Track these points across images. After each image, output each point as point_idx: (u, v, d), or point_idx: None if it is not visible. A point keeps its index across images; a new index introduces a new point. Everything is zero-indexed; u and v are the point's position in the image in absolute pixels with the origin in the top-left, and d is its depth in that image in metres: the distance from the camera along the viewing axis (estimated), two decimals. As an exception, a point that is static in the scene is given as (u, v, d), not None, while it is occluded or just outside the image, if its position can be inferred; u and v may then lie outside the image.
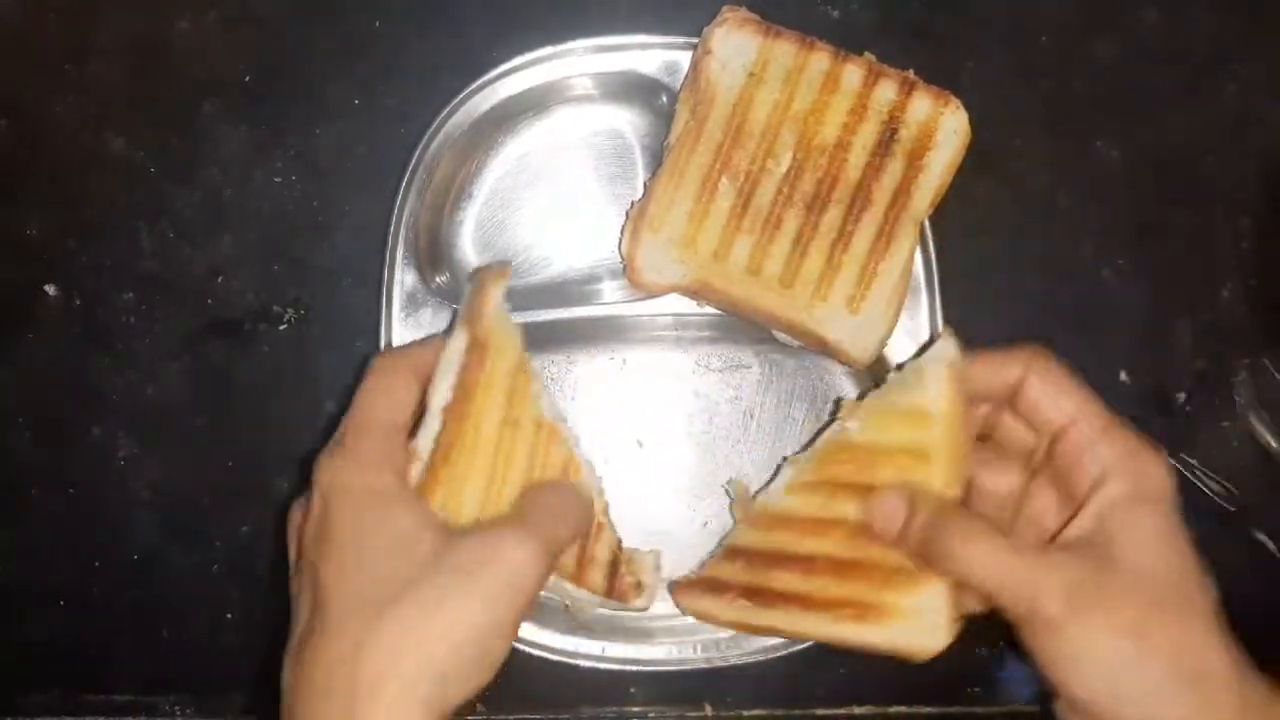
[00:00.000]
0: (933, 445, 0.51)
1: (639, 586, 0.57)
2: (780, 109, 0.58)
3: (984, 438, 0.54)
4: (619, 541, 0.57)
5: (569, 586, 0.55)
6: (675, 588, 0.58)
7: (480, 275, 0.54)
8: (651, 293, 0.61)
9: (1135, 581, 0.45)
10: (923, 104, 0.58)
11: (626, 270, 0.60)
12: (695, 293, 0.60)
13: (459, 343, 0.52)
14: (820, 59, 0.58)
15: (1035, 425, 0.50)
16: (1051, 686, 0.46)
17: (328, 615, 0.45)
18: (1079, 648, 0.44)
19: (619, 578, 0.56)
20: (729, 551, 0.57)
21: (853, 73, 0.58)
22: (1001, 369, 0.51)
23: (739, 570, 0.56)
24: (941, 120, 0.58)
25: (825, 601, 0.53)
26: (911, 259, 0.59)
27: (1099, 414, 0.49)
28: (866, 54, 0.59)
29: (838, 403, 0.57)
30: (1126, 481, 0.47)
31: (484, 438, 0.51)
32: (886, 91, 0.58)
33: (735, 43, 0.58)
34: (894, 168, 0.58)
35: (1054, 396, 0.49)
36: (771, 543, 0.55)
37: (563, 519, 0.51)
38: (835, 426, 0.55)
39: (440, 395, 0.51)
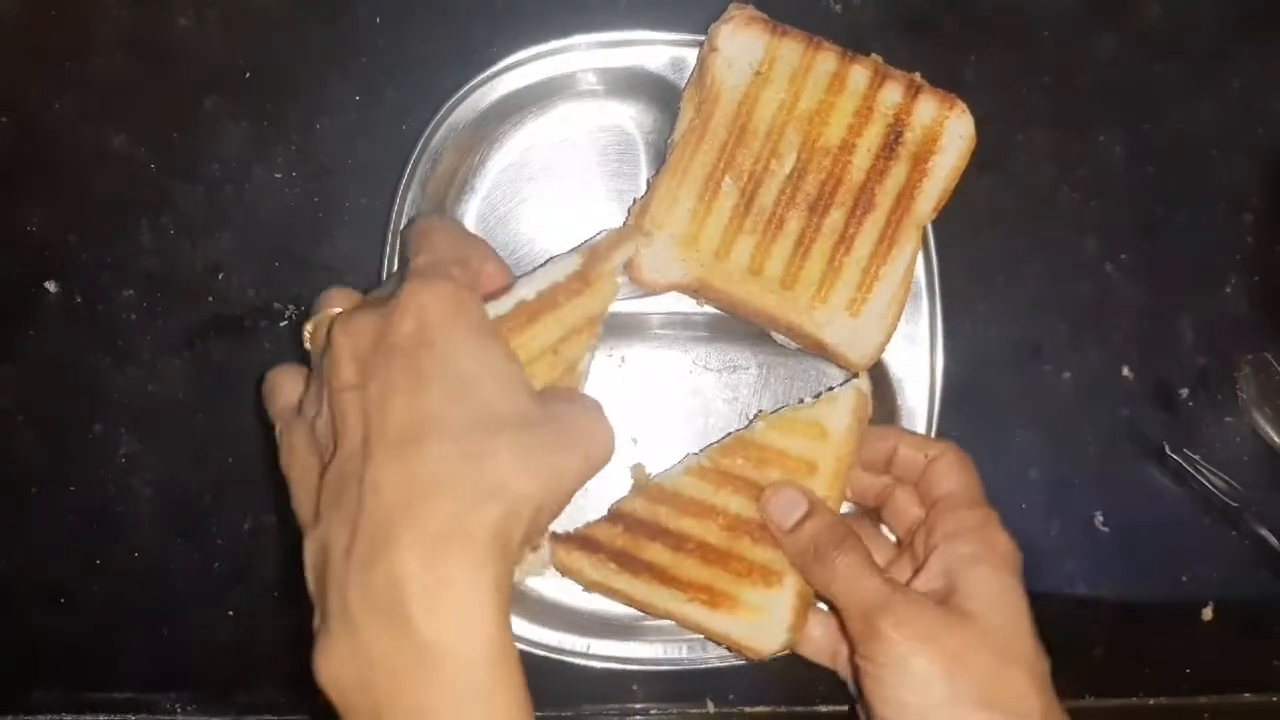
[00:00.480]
0: (823, 459, 0.56)
1: (536, 548, 0.58)
2: (785, 109, 0.58)
3: (875, 510, 0.60)
4: None
5: None
6: (554, 538, 0.59)
7: (621, 231, 0.56)
8: (652, 290, 0.60)
9: (966, 623, 0.50)
10: (928, 107, 0.57)
11: (627, 267, 0.60)
12: (695, 291, 0.60)
13: (568, 264, 0.54)
14: (827, 59, 0.57)
15: (927, 494, 0.56)
16: (866, 706, 0.51)
17: (444, 423, 0.44)
18: (899, 668, 0.49)
19: None
20: (613, 515, 0.59)
21: (859, 74, 0.57)
22: (927, 445, 0.57)
23: (617, 534, 0.58)
24: (947, 124, 0.57)
25: (683, 581, 0.57)
26: (913, 263, 0.59)
27: (977, 493, 0.56)
28: (873, 55, 0.58)
29: (758, 414, 0.59)
30: (976, 543, 0.53)
31: (528, 348, 0.53)
32: (892, 94, 0.57)
33: (742, 41, 0.58)
34: (898, 171, 0.58)
35: (953, 472, 0.56)
36: (654, 514, 0.58)
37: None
38: (747, 428, 0.58)
39: (526, 289, 0.53)
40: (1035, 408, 0.67)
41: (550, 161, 0.65)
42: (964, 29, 0.68)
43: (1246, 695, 0.67)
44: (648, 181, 0.63)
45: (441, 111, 0.62)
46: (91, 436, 0.66)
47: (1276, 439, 0.66)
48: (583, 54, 0.62)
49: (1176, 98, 0.68)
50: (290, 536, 0.49)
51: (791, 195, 0.58)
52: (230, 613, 0.66)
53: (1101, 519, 0.67)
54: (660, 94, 0.63)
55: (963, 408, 0.64)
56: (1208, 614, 0.67)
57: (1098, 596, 0.67)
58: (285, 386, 0.51)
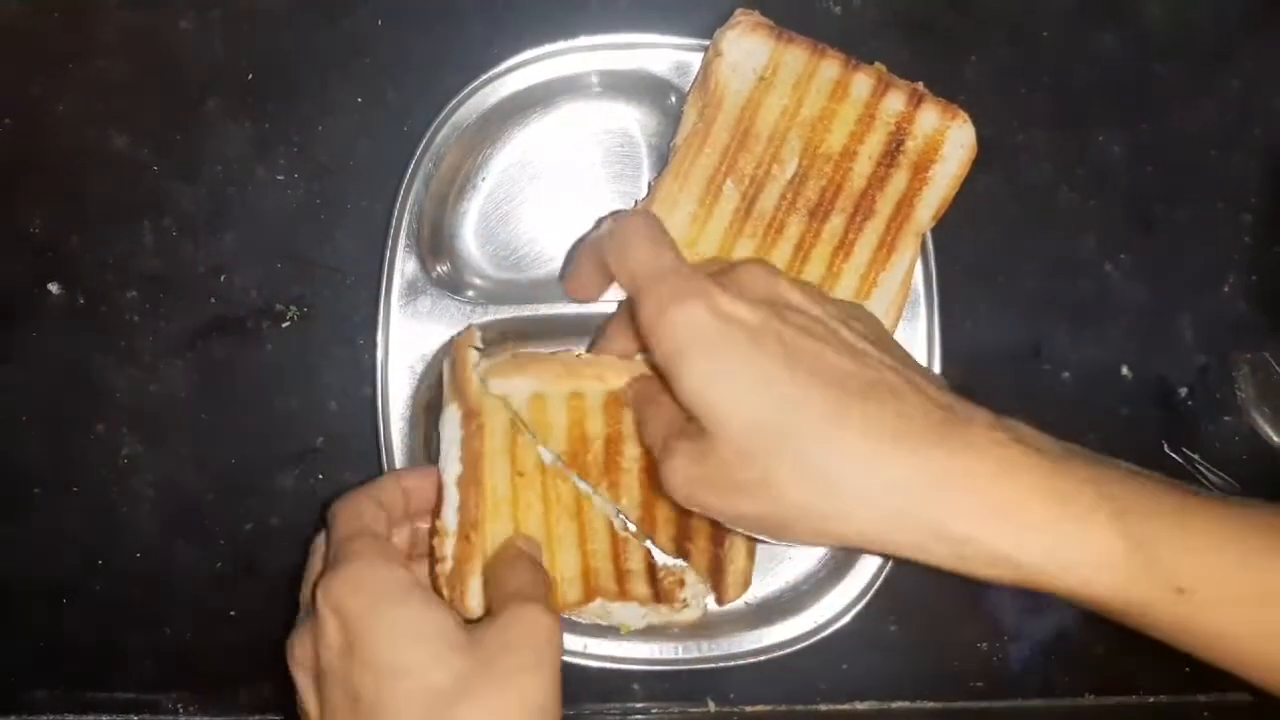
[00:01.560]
0: (554, 396, 0.55)
1: (681, 584, 0.58)
2: (788, 115, 0.58)
3: None
4: (648, 550, 0.58)
5: (614, 606, 0.56)
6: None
7: (453, 349, 0.57)
8: None
9: (708, 446, 0.44)
10: (930, 116, 0.57)
11: None
12: None
13: (453, 416, 0.55)
14: (830, 66, 0.57)
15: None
16: None
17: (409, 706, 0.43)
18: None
19: (659, 581, 0.57)
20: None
21: (862, 82, 0.57)
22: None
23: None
24: (949, 133, 0.58)
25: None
26: (912, 271, 0.59)
27: (634, 285, 0.47)
28: (877, 64, 0.59)
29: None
30: (654, 350, 0.46)
31: (500, 496, 0.54)
32: (895, 102, 0.57)
33: (747, 46, 0.58)
34: (899, 179, 0.58)
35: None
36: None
37: (533, 576, 0.50)
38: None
39: (451, 470, 0.54)
40: (1035, 407, 0.66)
41: (553, 163, 0.65)
42: (963, 29, 0.68)
43: (1244, 694, 0.67)
44: (649, 184, 0.63)
45: (445, 110, 0.62)
46: (94, 437, 0.66)
47: (1275, 438, 0.66)
48: (587, 56, 0.62)
49: (1176, 97, 0.68)
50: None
51: (792, 200, 0.58)
52: (232, 613, 0.66)
53: (1101, 518, 0.67)
54: (663, 97, 0.63)
55: (962, 407, 0.65)
56: (1207, 612, 0.67)
57: (1097, 595, 0.67)
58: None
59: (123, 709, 0.67)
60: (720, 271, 0.48)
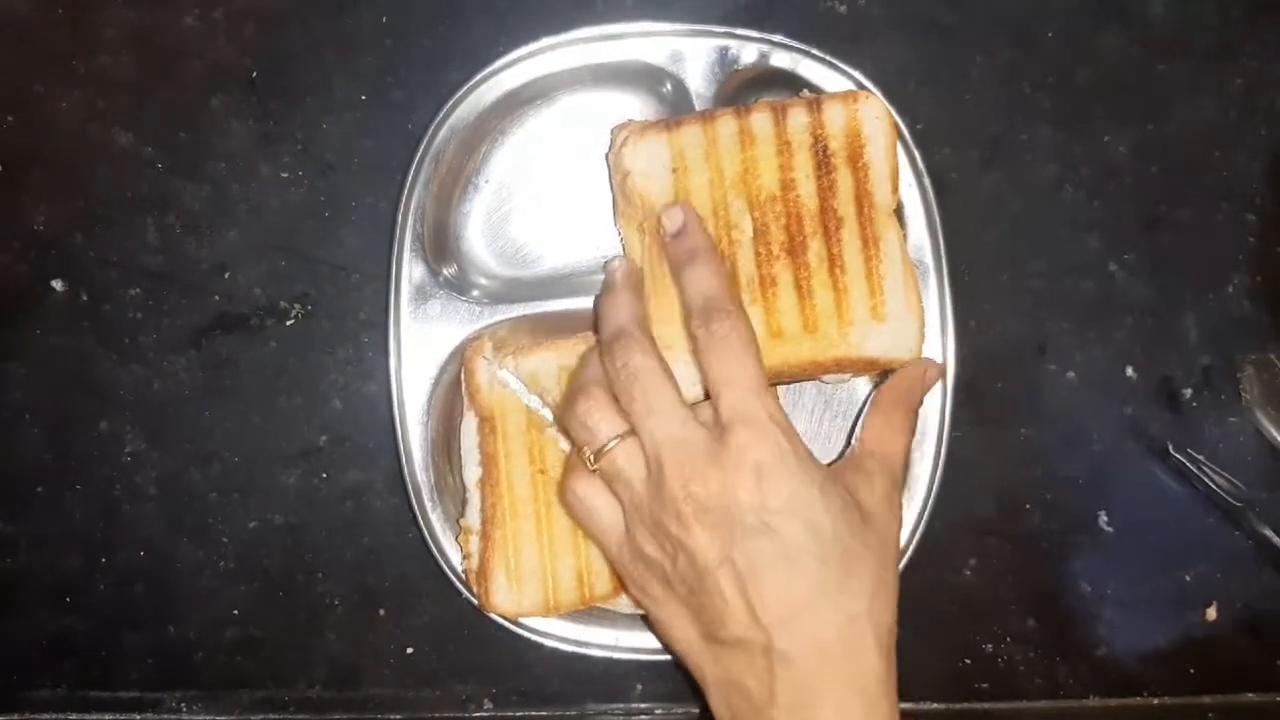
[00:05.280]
0: None
1: None
2: (716, 185, 0.58)
3: None
4: None
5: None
6: None
7: (465, 355, 0.60)
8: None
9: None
10: (835, 111, 0.58)
11: None
12: None
13: (470, 423, 0.60)
14: (726, 124, 0.58)
15: None
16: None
17: (821, 588, 0.49)
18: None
19: None
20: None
21: (760, 120, 0.58)
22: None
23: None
24: (859, 115, 0.58)
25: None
26: (904, 245, 0.59)
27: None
28: (759, 100, 0.59)
29: None
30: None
31: (520, 494, 0.58)
32: (798, 118, 0.58)
33: (645, 151, 0.58)
34: (843, 178, 0.58)
35: None
36: None
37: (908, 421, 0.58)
38: None
39: (470, 472, 0.59)
40: (1039, 407, 0.67)
41: (554, 157, 0.65)
42: (968, 28, 0.68)
43: (1250, 695, 0.67)
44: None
45: (444, 109, 0.62)
46: (97, 435, 0.66)
47: (1279, 439, 0.66)
48: (583, 48, 0.62)
49: (1179, 96, 0.68)
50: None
51: (767, 252, 0.58)
52: (235, 611, 0.66)
53: (1105, 519, 0.67)
54: (661, 85, 0.63)
55: (967, 406, 0.65)
56: (1211, 614, 0.67)
57: (1101, 596, 0.67)
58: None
59: (126, 708, 0.67)
60: None
